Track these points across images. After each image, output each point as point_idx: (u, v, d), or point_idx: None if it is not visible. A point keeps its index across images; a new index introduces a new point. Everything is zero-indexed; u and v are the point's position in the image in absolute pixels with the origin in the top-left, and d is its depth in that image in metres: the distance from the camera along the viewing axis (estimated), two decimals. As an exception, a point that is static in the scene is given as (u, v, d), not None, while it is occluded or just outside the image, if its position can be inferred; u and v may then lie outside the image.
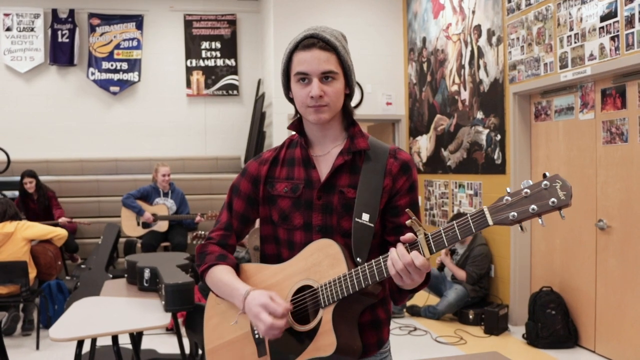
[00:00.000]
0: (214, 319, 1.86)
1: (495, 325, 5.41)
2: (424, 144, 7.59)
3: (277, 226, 1.78)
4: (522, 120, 5.62)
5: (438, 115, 7.21)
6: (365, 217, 1.67)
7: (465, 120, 6.54)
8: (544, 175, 1.37)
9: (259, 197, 1.82)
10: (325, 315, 1.61)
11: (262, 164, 1.84)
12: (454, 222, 1.44)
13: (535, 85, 5.28)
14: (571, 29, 4.80)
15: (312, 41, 1.66)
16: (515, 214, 1.38)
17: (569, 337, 4.97)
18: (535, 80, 5.27)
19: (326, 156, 1.77)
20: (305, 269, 1.67)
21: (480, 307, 5.74)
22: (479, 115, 6.22)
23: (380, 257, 1.56)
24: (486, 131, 6.10)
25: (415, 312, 6.05)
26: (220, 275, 1.76)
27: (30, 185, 7.16)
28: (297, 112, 1.78)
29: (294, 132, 1.84)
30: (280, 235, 1.78)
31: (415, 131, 7.91)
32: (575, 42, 4.76)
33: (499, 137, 5.87)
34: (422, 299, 6.16)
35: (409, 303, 6.14)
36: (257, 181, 1.82)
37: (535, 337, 5.02)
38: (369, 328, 1.74)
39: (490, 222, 1.40)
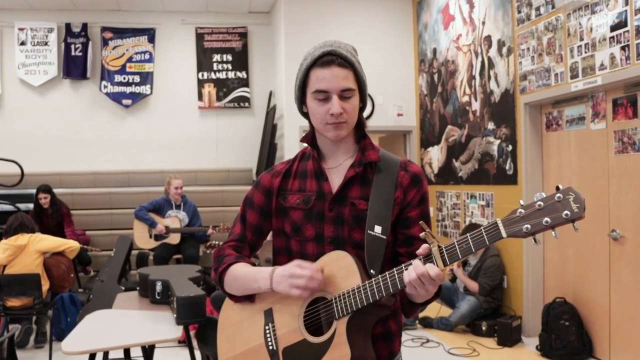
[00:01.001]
0: (227, 330, 1.87)
1: (509, 336, 5.37)
2: (435, 155, 7.58)
3: (290, 238, 1.80)
4: (533, 131, 5.60)
5: (449, 126, 7.21)
6: (378, 229, 1.68)
7: (476, 131, 6.53)
8: (557, 188, 1.38)
9: (271, 209, 1.84)
10: (339, 326, 1.61)
11: (274, 176, 1.86)
12: (468, 234, 1.45)
13: (546, 96, 5.27)
14: (581, 39, 4.79)
15: (331, 58, 1.67)
16: (529, 226, 1.39)
17: (583, 348, 4.92)
18: (546, 90, 5.26)
19: (338, 168, 1.79)
20: None
21: (493, 319, 5.70)
22: (490, 125, 6.21)
23: (395, 269, 1.57)
24: (497, 142, 6.08)
25: (427, 323, 6.02)
26: (242, 268, 1.78)
27: (45, 200, 7.21)
28: (311, 125, 1.80)
29: (306, 145, 1.86)
30: (292, 247, 1.80)
31: (426, 142, 7.90)
32: (585, 52, 4.75)
33: (510, 147, 5.85)
34: (435, 310, 6.13)
35: (421, 315, 6.11)
36: (270, 193, 1.84)
37: (549, 349, 4.97)
38: (381, 340, 1.75)
39: (504, 234, 1.41)
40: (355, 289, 1.60)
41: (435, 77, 7.54)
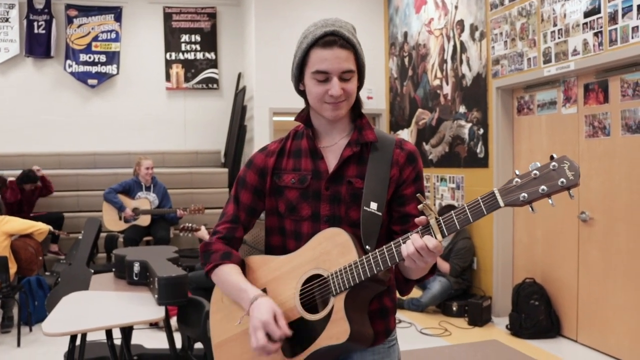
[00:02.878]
0: (218, 313, 1.86)
1: (479, 316, 5.48)
2: (405, 138, 7.62)
3: (284, 217, 1.78)
4: (504, 115, 5.69)
5: (419, 110, 7.26)
6: (374, 205, 1.68)
7: (447, 115, 6.60)
8: (552, 157, 1.39)
9: (265, 188, 1.82)
10: (337, 303, 1.61)
11: (268, 155, 1.84)
12: (465, 205, 1.46)
13: (519, 80, 5.35)
14: (555, 25, 4.87)
15: (333, 39, 1.64)
16: (526, 195, 1.39)
17: (551, 327, 5.06)
18: (519, 74, 5.34)
19: (333, 147, 1.78)
20: (314, 258, 1.68)
21: (463, 299, 5.81)
22: (462, 109, 6.28)
23: (392, 243, 1.56)
24: (469, 125, 6.16)
25: (398, 304, 6.09)
26: (227, 275, 1.77)
27: (30, 187, 7.20)
28: (307, 104, 1.78)
29: (298, 123, 1.84)
30: (286, 227, 1.78)
31: (396, 125, 7.95)
32: (559, 38, 4.83)
33: (481, 131, 5.93)
34: (406, 291, 6.20)
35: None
36: (264, 173, 1.82)
37: (519, 328, 5.10)
38: (377, 317, 1.75)
39: (501, 203, 1.42)
40: (352, 264, 1.60)
41: (406, 60, 7.58)
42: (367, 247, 1.65)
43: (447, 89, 6.58)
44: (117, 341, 3.78)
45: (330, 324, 1.61)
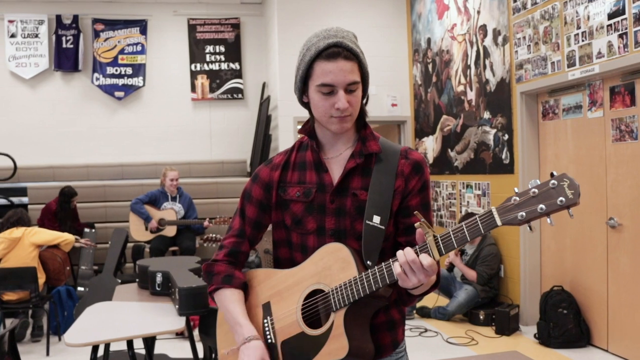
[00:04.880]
0: (225, 325, 1.85)
1: (507, 325, 5.38)
2: (430, 145, 7.58)
3: (291, 230, 1.77)
4: (529, 120, 5.61)
5: (444, 116, 7.20)
6: (376, 219, 1.66)
7: (472, 121, 6.53)
8: (552, 175, 1.36)
9: (271, 202, 1.81)
10: (337, 319, 1.60)
11: (273, 169, 1.82)
12: (463, 223, 1.44)
13: (543, 84, 5.27)
14: (578, 27, 4.79)
15: (337, 50, 1.62)
16: (524, 213, 1.36)
17: (581, 336, 4.95)
18: (543, 79, 5.26)
19: (338, 159, 1.76)
20: (316, 273, 1.67)
21: (490, 308, 5.72)
22: (486, 115, 6.21)
23: (390, 259, 1.54)
24: (493, 131, 6.08)
25: (425, 313, 6.03)
26: (227, 302, 1.77)
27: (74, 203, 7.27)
28: (311, 115, 1.77)
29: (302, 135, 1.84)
30: (293, 240, 1.77)
31: (421, 132, 7.90)
32: (582, 40, 4.75)
33: (506, 136, 5.86)
34: (432, 300, 6.14)
35: (418, 304, 6.13)
36: (269, 187, 1.81)
37: (547, 337, 5.00)
38: (384, 329, 1.73)
39: (498, 222, 1.39)
40: (351, 280, 1.58)
41: (430, 67, 7.53)
42: (369, 262, 1.63)
43: (471, 95, 6.52)
44: (142, 351, 3.83)
45: (329, 340, 1.61)
